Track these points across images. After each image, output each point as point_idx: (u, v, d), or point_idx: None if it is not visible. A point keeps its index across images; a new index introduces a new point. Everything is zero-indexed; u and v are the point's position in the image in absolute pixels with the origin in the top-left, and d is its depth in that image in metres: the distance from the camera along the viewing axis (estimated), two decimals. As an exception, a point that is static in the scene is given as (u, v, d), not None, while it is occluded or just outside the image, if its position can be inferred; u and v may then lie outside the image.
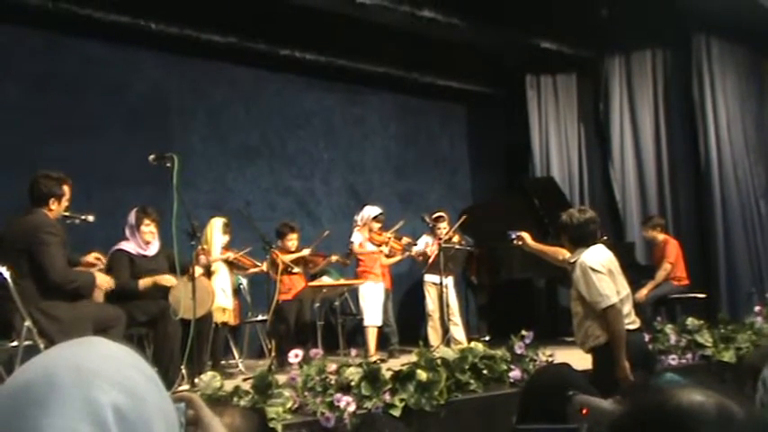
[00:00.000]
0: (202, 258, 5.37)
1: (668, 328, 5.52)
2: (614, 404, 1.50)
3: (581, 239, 3.94)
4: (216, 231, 5.65)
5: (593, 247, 3.91)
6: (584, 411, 1.51)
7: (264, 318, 5.90)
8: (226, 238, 5.72)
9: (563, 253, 4.14)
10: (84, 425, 0.68)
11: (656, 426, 0.89)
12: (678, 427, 0.86)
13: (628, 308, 3.91)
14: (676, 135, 7.88)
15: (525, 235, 4.43)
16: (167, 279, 4.72)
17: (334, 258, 6.42)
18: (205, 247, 5.41)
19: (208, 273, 5.46)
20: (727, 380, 5.19)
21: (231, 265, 5.75)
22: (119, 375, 0.73)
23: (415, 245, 6.77)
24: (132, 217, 4.88)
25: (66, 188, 4.10)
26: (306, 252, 6.13)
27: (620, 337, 3.72)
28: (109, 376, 0.72)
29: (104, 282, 4.38)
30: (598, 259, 3.84)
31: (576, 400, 1.55)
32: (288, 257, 5.90)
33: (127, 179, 6.21)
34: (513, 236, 4.44)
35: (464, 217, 6.75)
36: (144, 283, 4.69)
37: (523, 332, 4.65)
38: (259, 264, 5.96)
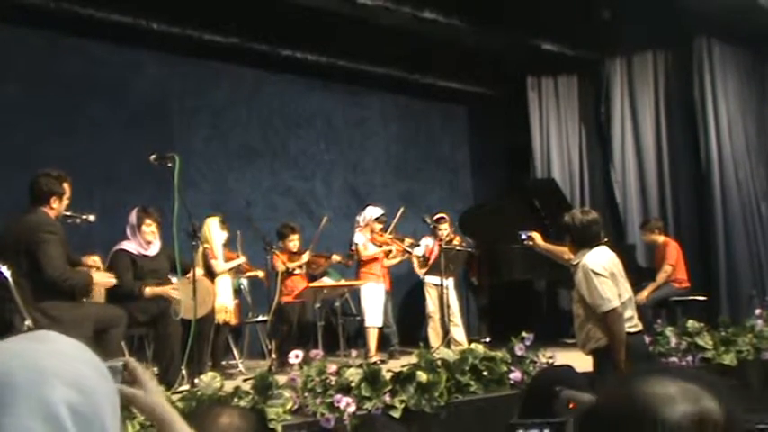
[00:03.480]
0: (213, 264, 5.40)
1: (669, 331, 5.51)
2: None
3: (584, 241, 3.93)
4: (214, 229, 5.64)
5: (596, 249, 3.90)
6: (571, 405, 1.52)
7: (265, 318, 5.90)
8: (225, 235, 5.73)
9: (569, 253, 4.15)
10: (39, 423, 0.72)
11: (624, 418, 0.88)
12: (644, 421, 0.86)
13: (630, 311, 3.90)
14: (677, 137, 7.88)
15: (536, 235, 4.44)
16: (173, 291, 4.70)
17: (335, 259, 6.42)
18: (207, 246, 5.41)
19: (211, 274, 5.46)
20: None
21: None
22: (71, 372, 0.77)
23: (418, 245, 6.77)
24: (133, 217, 4.88)
25: (66, 186, 4.10)
26: (305, 258, 6.11)
27: (621, 341, 3.72)
28: (62, 374, 0.76)
29: (104, 279, 4.38)
30: (600, 262, 3.83)
31: (564, 395, 1.56)
32: (291, 264, 5.92)
33: (128, 179, 6.22)
34: (524, 236, 4.45)
35: (462, 222, 6.79)
36: (150, 292, 4.66)
37: (524, 334, 4.65)
38: (255, 269, 5.99)
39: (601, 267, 3.80)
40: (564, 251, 4.21)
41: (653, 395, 0.86)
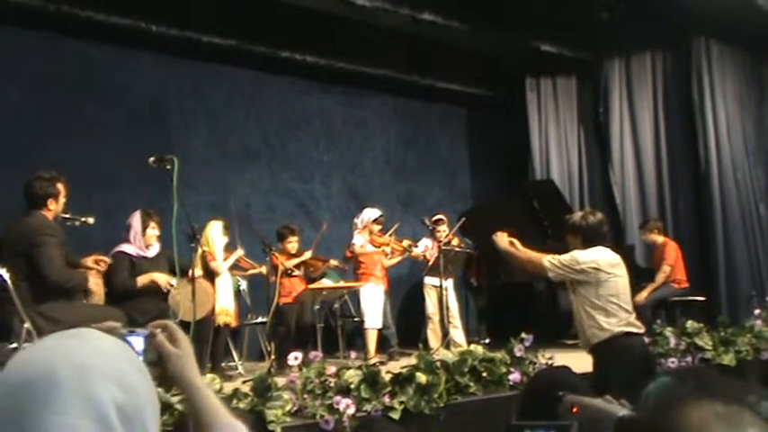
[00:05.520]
0: (213, 265, 5.40)
1: (668, 331, 5.51)
2: (605, 402, 1.52)
3: (593, 240, 3.96)
4: (216, 234, 5.64)
5: (597, 248, 3.95)
6: (574, 410, 1.52)
7: (264, 320, 5.90)
8: (225, 240, 5.73)
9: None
10: (87, 421, 0.71)
11: None
12: None
13: (625, 313, 3.92)
14: (676, 138, 7.89)
15: (500, 235, 4.24)
16: (160, 277, 4.71)
17: (332, 263, 6.42)
18: (206, 248, 5.41)
19: (211, 275, 5.46)
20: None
21: (231, 266, 5.75)
22: (114, 370, 0.77)
23: (416, 246, 6.77)
24: (137, 220, 4.88)
25: (60, 186, 4.10)
26: (307, 255, 6.13)
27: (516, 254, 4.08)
28: (106, 372, 0.76)
29: (96, 284, 4.39)
30: (590, 255, 3.89)
31: (567, 400, 1.56)
32: (290, 263, 5.91)
33: (127, 181, 6.21)
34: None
35: (463, 219, 6.74)
36: (141, 280, 4.69)
37: (523, 335, 4.65)
38: (257, 266, 5.99)
39: (584, 256, 3.85)
40: (540, 257, 4.04)
41: (693, 423, 0.83)
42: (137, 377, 0.80)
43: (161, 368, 1.16)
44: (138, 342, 1.14)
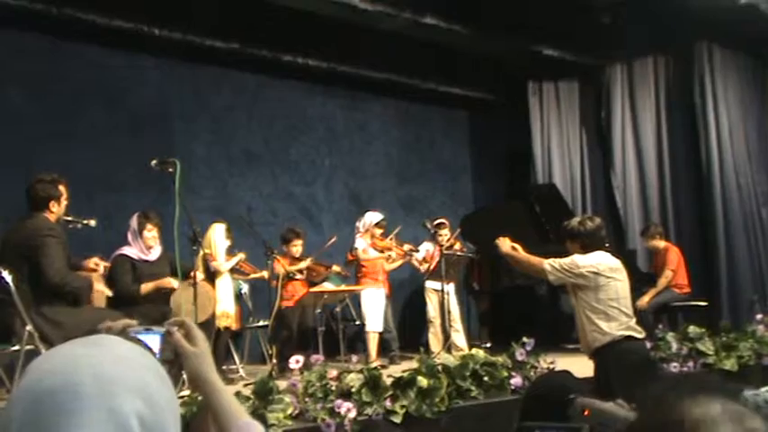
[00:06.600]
0: (214, 265, 5.41)
1: (670, 336, 5.51)
2: (616, 406, 1.51)
3: (592, 246, 3.97)
4: (219, 237, 5.64)
5: (597, 252, 3.95)
6: (585, 412, 1.52)
7: (265, 323, 5.91)
8: (228, 243, 5.73)
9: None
10: None
11: None
12: None
13: (626, 317, 3.92)
14: (678, 142, 7.88)
15: (502, 240, 4.28)
16: (168, 281, 4.73)
17: (335, 269, 6.42)
18: (207, 251, 5.42)
19: (212, 277, 5.46)
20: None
21: (232, 270, 5.76)
22: (137, 380, 0.76)
23: (417, 251, 6.77)
24: (134, 222, 4.89)
25: (62, 188, 4.10)
26: (308, 262, 6.12)
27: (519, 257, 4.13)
28: (128, 383, 0.74)
29: (101, 288, 4.39)
30: (590, 260, 3.92)
31: (578, 403, 1.56)
32: (292, 268, 5.92)
33: (129, 184, 6.22)
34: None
35: (462, 226, 6.74)
36: (146, 287, 4.70)
37: (524, 339, 4.64)
38: (258, 270, 5.99)
39: (584, 260, 3.88)
40: (544, 261, 4.05)
41: (697, 419, 0.83)
42: (158, 386, 0.78)
43: (177, 366, 1.15)
44: (154, 340, 1.13)
